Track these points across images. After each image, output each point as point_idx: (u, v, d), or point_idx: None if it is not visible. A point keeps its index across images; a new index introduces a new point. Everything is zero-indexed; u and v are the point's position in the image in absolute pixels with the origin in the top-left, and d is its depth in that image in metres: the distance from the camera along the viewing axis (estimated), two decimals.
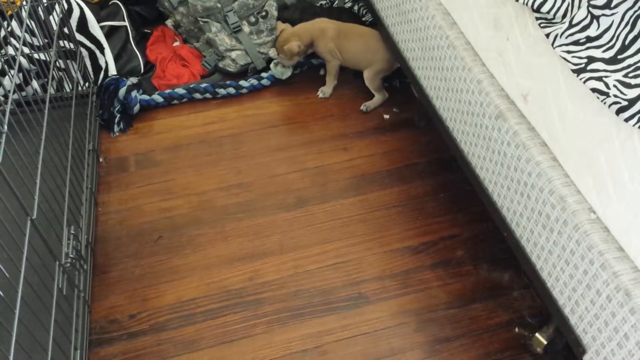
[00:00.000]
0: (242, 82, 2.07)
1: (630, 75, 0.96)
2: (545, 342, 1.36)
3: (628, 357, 1.00)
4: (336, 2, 2.29)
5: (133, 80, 2.00)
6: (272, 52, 2.11)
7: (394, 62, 1.95)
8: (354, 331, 1.45)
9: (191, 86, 2.04)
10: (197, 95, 2.04)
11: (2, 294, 1.01)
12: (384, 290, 1.53)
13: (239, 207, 1.73)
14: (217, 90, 2.04)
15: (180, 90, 2.02)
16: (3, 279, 1.03)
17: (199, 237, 1.65)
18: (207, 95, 2.05)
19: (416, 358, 1.40)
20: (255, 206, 1.73)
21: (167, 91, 2.03)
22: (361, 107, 2.00)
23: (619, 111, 0.94)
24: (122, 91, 1.93)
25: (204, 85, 2.05)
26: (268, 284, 1.54)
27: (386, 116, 1.99)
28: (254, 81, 2.08)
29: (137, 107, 1.97)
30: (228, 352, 1.42)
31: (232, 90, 2.06)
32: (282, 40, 1.99)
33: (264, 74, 2.10)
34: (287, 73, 2.07)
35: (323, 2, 2.30)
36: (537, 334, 1.37)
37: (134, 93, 1.96)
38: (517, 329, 1.46)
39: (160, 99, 2.01)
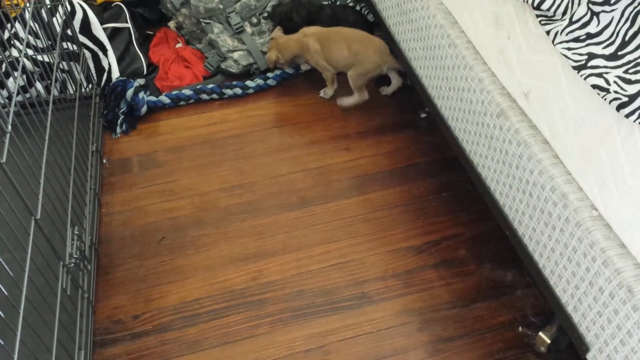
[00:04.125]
0: (249, 83, 2.07)
1: (630, 71, 0.96)
2: (548, 341, 1.35)
3: (631, 354, 1.00)
4: (339, 0, 2.29)
5: (140, 81, 2.00)
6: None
7: (382, 67, 1.95)
8: (357, 331, 1.45)
9: (198, 87, 2.04)
10: (204, 96, 2.04)
11: (6, 293, 1.01)
12: (386, 290, 1.53)
13: (242, 208, 1.73)
14: (223, 90, 2.05)
15: (187, 92, 2.03)
16: (8, 279, 1.03)
17: (202, 237, 1.66)
18: (214, 96, 2.05)
19: (419, 357, 1.40)
20: (258, 206, 1.73)
21: (174, 92, 2.03)
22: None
23: (619, 107, 0.94)
24: (129, 92, 1.94)
25: (210, 86, 2.05)
26: (271, 284, 1.55)
27: (390, 117, 2.00)
28: (260, 81, 2.08)
29: (144, 109, 1.97)
30: (231, 352, 1.42)
31: (238, 90, 2.06)
32: (268, 48, 2.06)
33: (269, 74, 2.10)
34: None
35: (325, 3, 2.29)
36: (540, 333, 1.37)
37: (141, 94, 1.97)
38: (520, 328, 1.46)
39: (167, 100, 2.02)
